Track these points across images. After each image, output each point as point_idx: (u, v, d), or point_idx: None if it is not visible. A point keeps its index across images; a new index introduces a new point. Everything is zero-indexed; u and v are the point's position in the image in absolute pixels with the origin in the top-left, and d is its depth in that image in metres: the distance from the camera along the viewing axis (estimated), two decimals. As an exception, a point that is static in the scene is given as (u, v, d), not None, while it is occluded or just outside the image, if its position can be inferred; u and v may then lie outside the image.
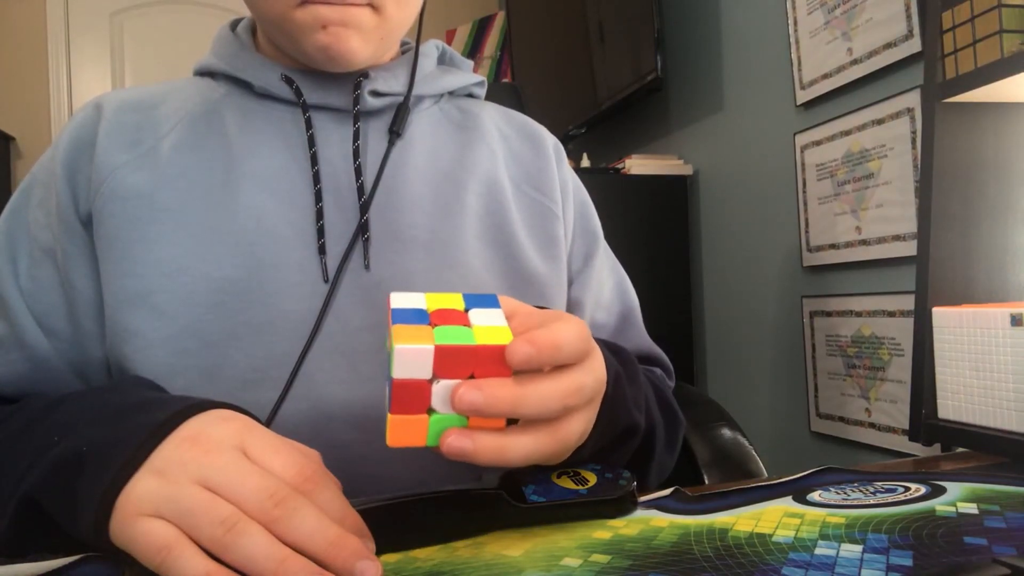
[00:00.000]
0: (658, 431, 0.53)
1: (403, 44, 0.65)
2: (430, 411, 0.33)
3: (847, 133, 1.44)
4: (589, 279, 0.64)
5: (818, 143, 1.52)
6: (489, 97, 0.70)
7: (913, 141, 1.29)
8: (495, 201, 0.59)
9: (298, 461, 0.35)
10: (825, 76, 1.49)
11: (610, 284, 0.67)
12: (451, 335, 0.33)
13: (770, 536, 0.37)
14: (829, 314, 1.50)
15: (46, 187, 0.53)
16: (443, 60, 0.66)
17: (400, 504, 0.41)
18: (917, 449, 1.22)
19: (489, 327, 0.34)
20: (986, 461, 0.53)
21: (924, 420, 0.62)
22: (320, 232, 0.52)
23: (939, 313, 0.61)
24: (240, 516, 0.31)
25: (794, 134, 1.59)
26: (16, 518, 0.38)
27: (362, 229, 0.53)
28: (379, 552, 0.35)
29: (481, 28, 3.08)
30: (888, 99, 1.34)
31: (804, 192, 1.57)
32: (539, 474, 0.45)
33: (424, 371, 0.32)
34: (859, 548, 0.35)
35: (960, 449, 0.60)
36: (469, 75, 0.66)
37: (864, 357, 1.42)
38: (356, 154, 0.55)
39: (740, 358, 1.81)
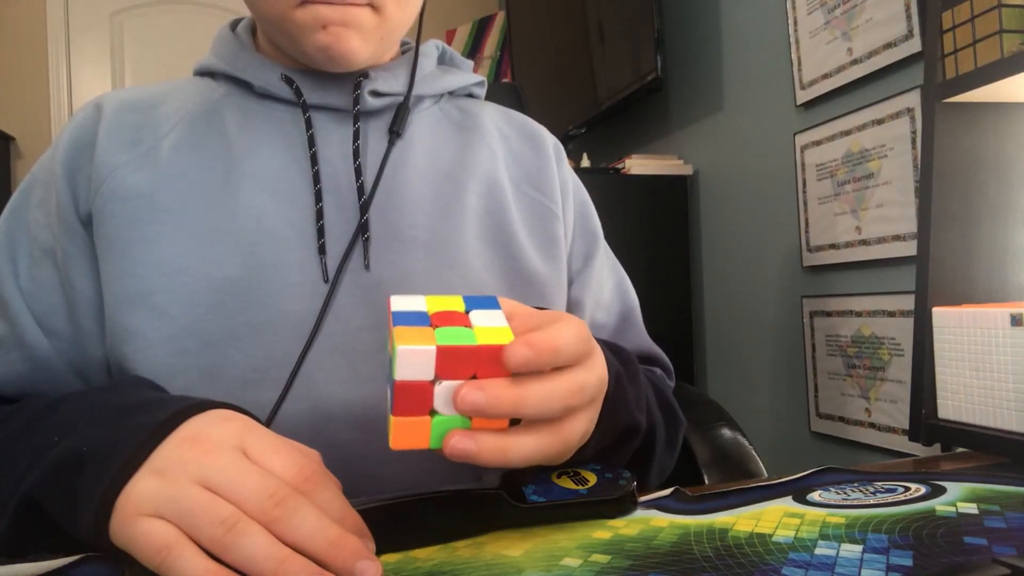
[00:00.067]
0: (658, 431, 0.53)
1: (403, 44, 0.65)
2: (432, 413, 0.33)
3: (847, 133, 1.44)
4: (589, 279, 0.64)
5: (818, 143, 1.52)
6: (489, 97, 0.70)
7: (913, 141, 1.29)
8: (495, 201, 0.59)
9: (298, 461, 0.35)
10: (825, 76, 1.49)
11: (610, 284, 0.67)
12: (452, 336, 0.33)
13: (770, 536, 0.37)
14: (829, 314, 1.50)
15: (46, 187, 0.53)
16: (443, 60, 0.66)
17: (400, 504, 0.41)
18: (917, 449, 1.22)
19: (490, 328, 0.34)
20: (986, 461, 0.53)
21: (924, 420, 0.62)
22: (320, 232, 0.52)
23: (939, 313, 0.61)
24: (240, 516, 0.31)
25: (794, 134, 1.59)
26: (16, 518, 0.38)
27: (362, 229, 0.53)
28: (379, 552, 0.35)
29: (481, 28, 3.08)
30: (888, 99, 1.34)
31: (804, 192, 1.57)
32: (539, 474, 0.45)
33: (426, 372, 0.32)
34: (859, 548, 0.35)
35: (960, 449, 0.60)
36: (469, 75, 0.66)
37: (864, 357, 1.42)
38: (356, 154, 0.55)
39: (740, 358, 1.81)
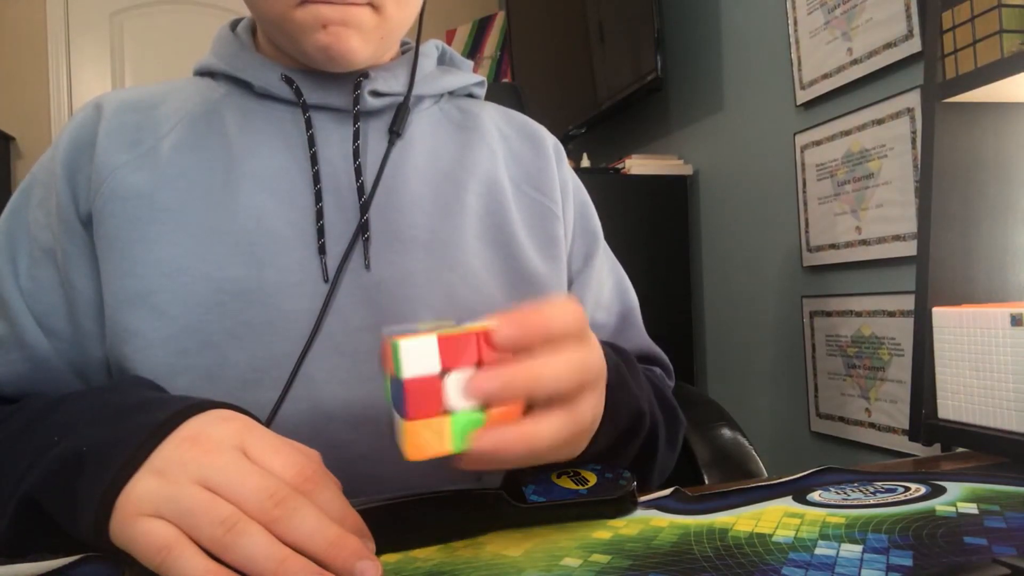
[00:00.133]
0: (660, 429, 0.53)
1: (403, 44, 0.65)
2: (445, 413, 0.32)
3: (847, 133, 1.44)
4: (589, 279, 0.64)
5: (818, 143, 1.52)
6: (489, 97, 0.70)
7: (913, 141, 1.29)
8: (495, 201, 0.59)
9: (298, 461, 0.35)
10: (825, 76, 1.49)
11: (610, 284, 0.67)
12: (449, 330, 0.33)
13: (770, 536, 0.37)
14: (829, 314, 1.50)
15: (46, 187, 0.53)
16: (443, 60, 0.66)
17: (400, 504, 0.41)
18: (917, 449, 1.22)
19: (482, 324, 0.34)
20: (986, 461, 0.53)
21: (924, 420, 0.62)
22: (320, 232, 0.52)
23: (939, 313, 0.61)
24: (240, 516, 0.31)
25: (794, 134, 1.59)
26: (16, 518, 0.38)
27: (362, 229, 0.53)
28: (379, 552, 0.35)
29: (481, 28, 3.08)
30: (888, 99, 1.34)
31: (804, 192, 1.57)
32: (539, 474, 0.45)
33: (432, 365, 0.32)
34: (859, 548, 0.35)
35: (960, 449, 0.60)
36: (469, 75, 0.66)
37: (864, 357, 1.42)
38: (356, 154, 0.55)
39: (740, 358, 1.81)
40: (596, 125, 2.28)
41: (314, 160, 0.54)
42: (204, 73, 0.60)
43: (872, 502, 0.42)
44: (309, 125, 0.55)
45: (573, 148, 2.34)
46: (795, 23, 1.57)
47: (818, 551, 0.34)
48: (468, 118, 0.63)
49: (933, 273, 0.64)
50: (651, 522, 0.40)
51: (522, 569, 0.34)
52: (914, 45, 1.27)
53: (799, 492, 0.45)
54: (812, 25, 1.52)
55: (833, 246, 1.48)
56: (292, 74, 0.56)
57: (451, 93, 0.65)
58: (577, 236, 0.65)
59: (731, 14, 1.81)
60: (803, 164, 1.57)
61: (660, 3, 1.83)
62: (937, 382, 0.61)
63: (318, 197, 0.53)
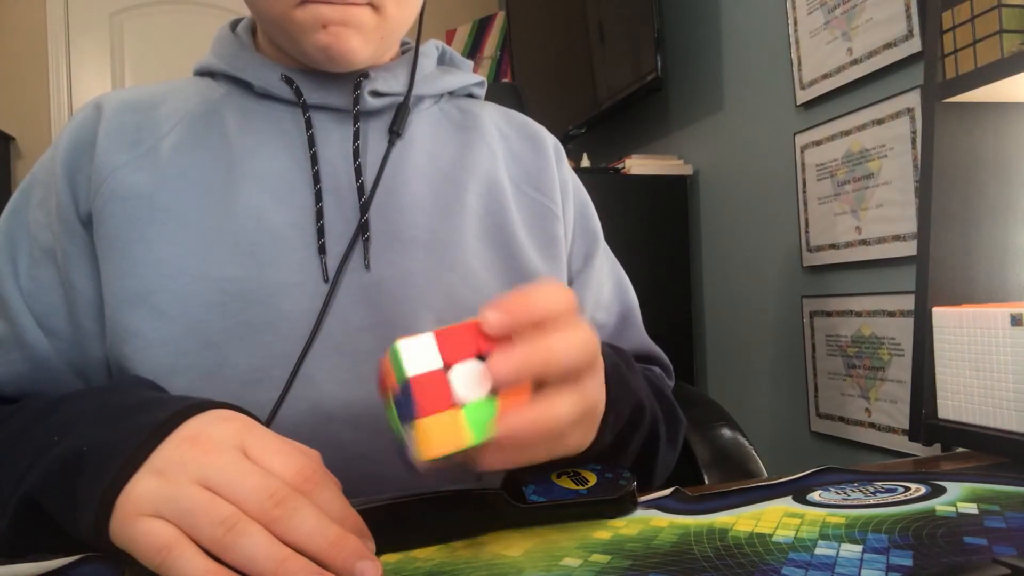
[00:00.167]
0: (660, 427, 0.53)
1: (403, 44, 0.65)
2: (455, 407, 0.32)
3: (847, 133, 1.44)
4: (589, 279, 0.64)
5: (818, 143, 1.52)
6: (489, 97, 0.70)
7: (913, 141, 1.29)
8: (495, 201, 0.59)
9: (298, 461, 0.35)
10: (825, 76, 1.49)
11: (610, 284, 0.67)
12: (444, 328, 0.33)
13: (770, 536, 0.37)
14: (829, 314, 1.50)
15: (46, 187, 0.53)
16: (443, 60, 0.66)
17: (400, 504, 0.41)
18: (917, 449, 1.22)
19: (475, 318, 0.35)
20: (986, 461, 0.53)
21: (924, 420, 0.62)
22: (320, 232, 0.52)
23: (939, 313, 0.61)
24: (240, 516, 0.31)
25: (794, 134, 1.59)
26: (16, 518, 0.38)
27: (362, 229, 0.53)
28: (379, 552, 0.35)
29: (481, 28, 3.08)
30: (888, 99, 1.34)
31: (804, 192, 1.57)
32: (539, 474, 0.45)
33: (434, 360, 0.32)
34: (859, 548, 0.35)
35: (960, 449, 0.60)
36: (469, 75, 0.66)
37: (864, 357, 1.42)
38: (356, 154, 0.55)
39: (740, 358, 1.81)
40: (596, 125, 2.28)
41: (314, 160, 0.54)
42: (204, 73, 0.60)
43: (872, 502, 0.42)
44: (309, 125, 0.55)
45: (573, 148, 2.34)
46: (795, 23, 1.57)
47: (818, 551, 0.34)
48: (468, 118, 0.63)
49: (933, 273, 0.64)
50: (651, 522, 0.40)
51: (522, 569, 0.34)
52: (914, 45, 1.27)
53: (799, 492, 0.45)
54: (812, 25, 1.52)
55: (833, 246, 1.48)
56: (292, 74, 0.56)
57: (451, 93, 0.65)
58: (577, 236, 0.65)
59: (731, 14, 1.81)
60: (803, 164, 1.57)
61: (660, 3, 1.83)
62: (937, 382, 0.61)
63: (318, 197, 0.53)
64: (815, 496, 0.44)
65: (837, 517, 0.39)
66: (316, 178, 0.53)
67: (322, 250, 0.52)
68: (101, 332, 0.51)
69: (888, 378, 1.37)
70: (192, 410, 0.36)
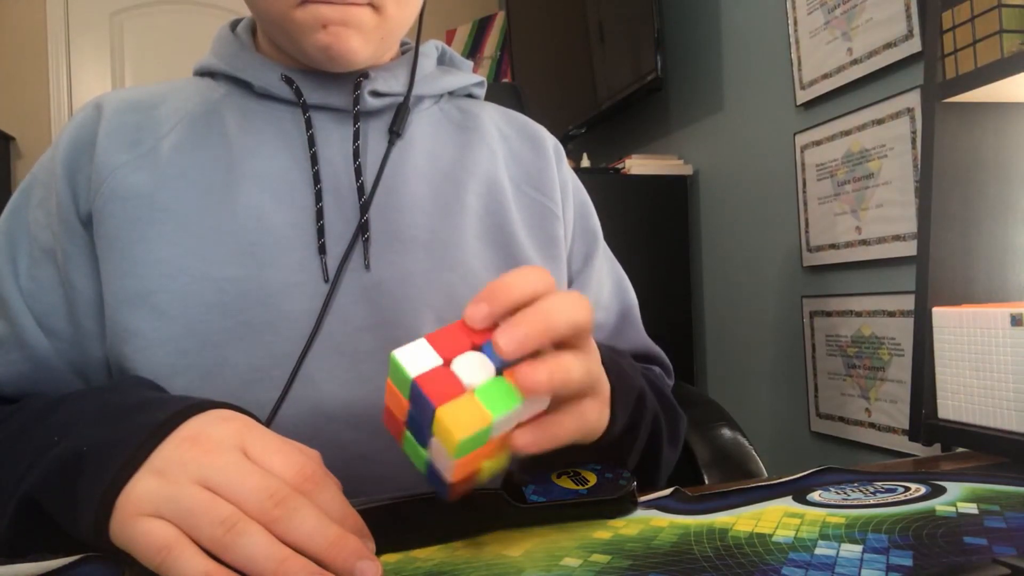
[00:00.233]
0: (661, 423, 0.53)
1: (403, 44, 0.65)
2: (467, 391, 0.33)
3: (847, 133, 1.44)
4: (589, 279, 0.64)
5: (818, 143, 1.52)
6: (489, 97, 0.70)
7: (913, 141, 1.29)
8: (495, 201, 0.59)
9: (298, 461, 0.35)
10: (825, 76, 1.49)
11: (609, 284, 0.67)
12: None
13: (770, 536, 0.37)
14: (829, 314, 1.50)
15: (46, 187, 0.53)
16: (443, 60, 0.66)
17: (400, 504, 0.41)
18: (917, 449, 1.22)
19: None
20: (986, 461, 0.53)
21: (924, 420, 0.62)
22: (320, 232, 0.52)
23: (939, 313, 0.61)
24: (240, 516, 0.31)
25: (794, 134, 1.59)
26: (16, 518, 0.38)
27: (362, 229, 0.53)
28: (379, 552, 0.35)
29: (481, 28, 3.08)
30: (888, 99, 1.34)
31: (804, 192, 1.57)
32: (539, 474, 0.45)
33: (432, 359, 0.33)
34: (859, 548, 0.35)
35: (960, 449, 0.60)
36: (469, 75, 0.66)
37: (864, 357, 1.42)
38: (356, 154, 0.55)
39: (740, 358, 1.81)
40: (596, 125, 2.28)
41: (314, 160, 0.54)
42: (204, 73, 0.60)
43: (872, 502, 0.42)
44: (309, 125, 0.55)
45: (573, 148, 2.34)
46: (795, 23, 1.57)
47: (818, 551, 0.34)
48: (468, 118, 0.63)
49: (933, 273, 0.64)
50: (651, 522, 0.40)
51: (522, 569, 0.34)
52: (914, 45, 1.27)
53: (799, 492, 0.45)
54: (812, 25, 1.52)
55: (833, 246, 1.48)
56: (292, 74, 0.56)
57: (451, 93, 0.65)
58: (577, 236, 0.65)
59: (731, 14, 1.81)
60: (803, 164, 1.57)
61: (660, 3, 1.83)
62: (937, 382, 0.61)
63: (318, 197, 0.53)
64: (815, 496, 0.44)
65: (837, 517, 0.39)
66: (316, 178, 0.53)
67: (322, 250, 0.52)
68: (101, 332, 0.51)
69: (888, 378, 1.37)
70: (192, 410, 0.36)
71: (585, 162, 2.07)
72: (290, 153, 0.54)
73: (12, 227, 0.53)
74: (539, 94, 2.43)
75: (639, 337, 0.67)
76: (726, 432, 0.75)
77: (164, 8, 3.01)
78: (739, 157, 1.79)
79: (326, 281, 0.52)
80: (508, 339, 0.32)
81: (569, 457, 0.43)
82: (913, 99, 1.29)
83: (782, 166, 1.64)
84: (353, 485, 0.40)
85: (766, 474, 0.69)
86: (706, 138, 1.92)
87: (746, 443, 0.74)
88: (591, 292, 0.64)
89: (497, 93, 0.96)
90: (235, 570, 0.30)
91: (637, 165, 1.91)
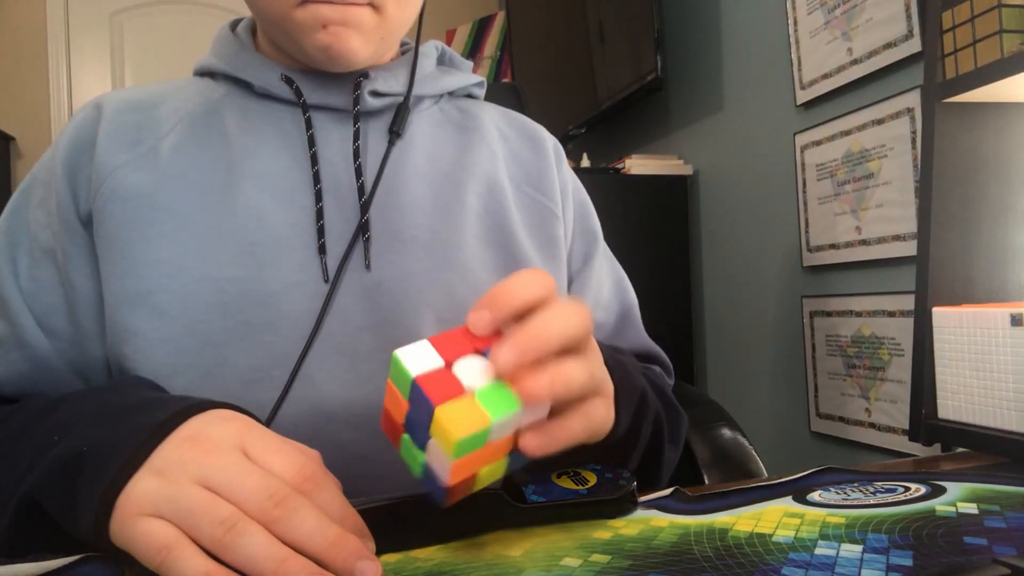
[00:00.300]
0: (663, 422, 0.53)
1: (402, 44, 0.65)
2: (468, 393, 0.33)
3: (847, 133, 1.44)
4: (589, 279, 0.64)
5: (818, 143, 1.52)
6: (489, 97, 0.70)
7: (913, 141, 1.29)
8: (495, 201, 0.59)
9: (298, 461, 0.35)
10: (825, 76, 1.49)
11: (609, 284, 0.67)
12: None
13: (770, 536, 0.37)
14: (829, 314, 1.50)
15: (46, 187, 0.53)
16: (442, 61, 0.66)
17: (400, 504, 0.41)
18: (917, 449, 1.22)
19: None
20: (986, 461, 0.53)
21: (924, 420, 0.62)
22: (320, 232, 0.52)
23: (939, 313, 0.61)
24: (240, 516, 0.31)
25: (794, 134, 1.59)
26: (16, 518, 0.38)
27: (362, 229, 0.53)
28: (379, 552, 0.35)
29: (481, 28, 3.08)
30: (888, 99, 1.34)
31: (804, 192, 1.57)
32: (539, 474, 0.45)
33: (434, 360, 0.33)
34: (859, 548, 0.35)
35: (960, 449, 0.60)
36: (469, 75, 0.66)
37: (864, 357, 1.42)
38: (356, 154, 0.55)
39: (740, 358, 1.81)
40: (596, 125, 2.28)
41: (314, 160, 0.54)
42: (204, 73, 0.60)
43: (872, 502, 0.42)
44: (309, 125, 0.55)
45: (573, 148, 2.34)
46: (795, 23, 1.57)
47: (818, 551, 0.34)
48: (468, 118, 0.63)
49: (933, 273, 0.64)
50: (651, 522, 0.40)
51: (522, 569, 0.34)
52: (914, 45, 1.27)
53: (799, 492, 0.45)
54: (812, 25, 1.52)
55: (833, 246, 1.48)
56: (292, 74, 0.56)
57: (451, 93, 0.65)
58: (577, 236, 0.65)
59: (731, 14, 1.81)
60: (803, 164, 1.57)
61: (660, 3, 1.83)
62: (937, 382, 0.61)
63: (318, 197, 0.53)
64: (815, 496, 0.44)
65: (837, 517, 0.39)
66: (316, 178, 0.53)
67: (322, 250, 0.52)
68: (101, 332, 0.51)
69: (888, 378, 1.37)
70: (192, 410, 0.36)
71: (585, 162, 2.07)
72: (290, 153, 0.54)
73: (12, 227, 0.53)
74: (539, 94, 2.43)
75: (639, 337, 0.67)
76: (726, 432, 0.75)
77: (164, 8, 3.01)
78: (739, 157, 1.79)
79: (326, 281, 0.52)
80: (505, 359, 0.32)
81: (571, 457, 0.43)
82: (913, 99, 1.29)
83: (782, 166, 1.64)
84: (353, 485, 0.40)
85: (766, 474, 0.69)
86: (706, 138, 1.92)
87: (746, 443, 0.74)
88: (591, 292, 0.64)
89: (497, 93, 0.96)
90: (235, 570, 0.30)
91: (637, 165, 1.91)
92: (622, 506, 0.42)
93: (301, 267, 0.51)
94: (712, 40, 1.88)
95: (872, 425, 1.40)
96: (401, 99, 0.58)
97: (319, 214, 0.52)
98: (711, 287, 1.91)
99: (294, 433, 0.41)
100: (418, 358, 0.32)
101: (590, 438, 0.38)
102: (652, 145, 2.17)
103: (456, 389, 0.32)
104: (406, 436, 0.34)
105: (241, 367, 0.49)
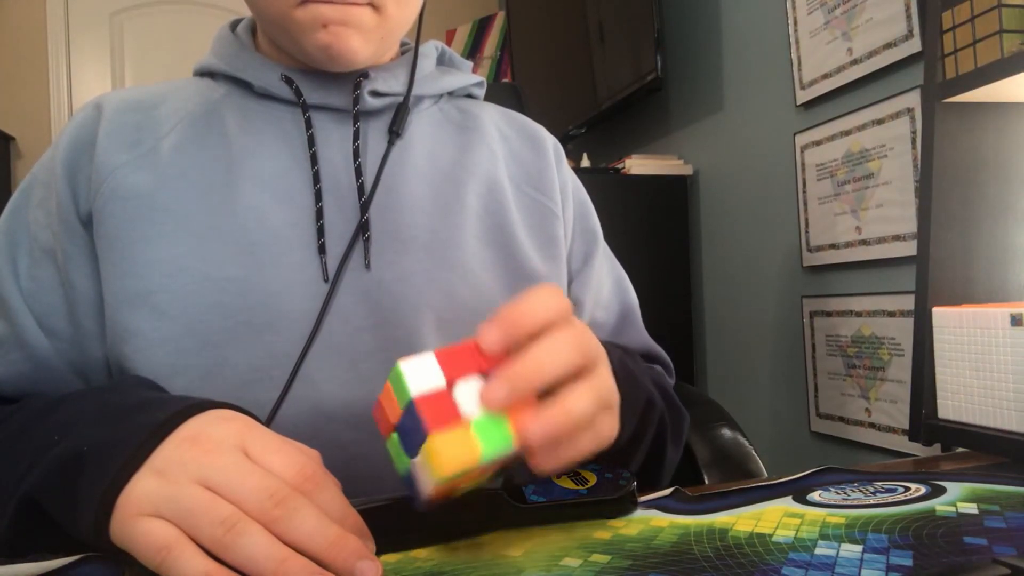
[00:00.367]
0: (666, 424, 0.53)
1: (402, 44, 0.65)
2: (465, 422, 0.32)
3: (847, 133, 1.44)
4: (589, 278, 0.64)
5: (818, 143, 1.52)
6: (489, 97, 0.70)
7: (913, 141, 1.29)
8: (495, 201, 0.59)
9: (298, 461, 0.35)
10: (825, 76, 1.49)
11: (609, 283, 0.67)
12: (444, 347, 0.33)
13: (770, 536, 0.37)
14: (829, 314, 1.50)
15: (46, 187, 0.53)
16: (442, 61, 0.66)
17: (400, 504, 0.41)
18: (917, 449, 1.22)
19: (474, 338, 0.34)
20: (986, 461, 0.53)
21: (924, 420, 0.62)
22: (320, 232, 0.52)
23: (939, 313, 0.61)
24: (240, 516, 0.31)
25: (794, 134, 1.59)
26: (16, 518, 0.38)
27: (362, 229, 0.53)
28: (379, 552, 0.35)
29: (481, 28, 3.08)
30: (888, 99, 1.34)
31: (804, 192, 1.57)
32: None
33: (437, 379, 0.32)
34: (859, 548, 0.35)
35: (960, 449, 0.60)
36: (468, 75, 0.66)
37: (864, 357, 1.42)
38: (356, 154, 0.55)
39: (740, 358, 1.81)
40: (596, 125, 2.28)
41: (314, 160, 0.54)
42: (204, 73, 0.60)
43: (872, 502, 0.42)
44: (309, 125, 0.55)
45: (573, 148, 2.34)
46: (795, 23, 1.57)
47: (818, 551, 0.34)
48: (468, 118, 0.63)
49: (933, 273, 0.64)
50: (651, 522, 0.40)
51: (522, 569, 0.34)
52: (914, 45, 1.27)
53: (799, 492, 0.45)
54: (812, 25, 1.52)
55: (833, 246, 1.48)
56: (292, 74, 0.56)
57: (451, 93, 0.65)
58: (577, 236, 0.65)
59: (731, 14, 1.81)
60: (803, 164, 1.57)
61: (660, 3, 1.83)
62: (937, 382, 0.61)
63: (318, 197, 0.53)
64: (815, 496, 0.44)
65: (837, 517, 0.39)
66: (316, 178, 0.53)
67: (322, 250, 0.52)
68: (101, 332, 0.51)
69: (888, 378, 1.37)
70: (192, 410, 0.36)
71: (585, 162, 2.07)
72: (290, 153, 0.54)
73: (12, 227, 0.53)
74: (539, 94, 2.43)
75: (640, 336, 0.67)
76: (726, 432, 0.75)
77: (164, 8, 3.01)
78: (739, 157, 1.79)
79: (326, 281, 0.52)
80: (494, 396, 0.32)
81: None
82: (913, 99, 1.29)
83: (782, 166, 1.64)
84: (353, 485, 0.40)
85: (766, 474, 0.69)
86: (706, 138, 1.92)
87: (746, 443, 0.74)
88: (591, 291, 0.64)
89: (497, 93, 0.96)
90: (235, 570, 0.30)
91: (637, 165, 1.91)
92: (622, 506, 0.42)
93: (301, 267, 0.51)
94: (712, 40, 1.88)
95: (872, 425, 1.40)
96: (401, 99, 0.58)
97: (319, 214, 0.52)
98: (711, 287, 1.91)
99: (294, 433, 0.40)
100: (421, 374, 0.32)
101: (596, 450, 0.38)
102: (652, 145, 2.17)
103: (453, 416, 0.32)
104: (395, 436, 0.34)
105: (241, 367, 0.49)
